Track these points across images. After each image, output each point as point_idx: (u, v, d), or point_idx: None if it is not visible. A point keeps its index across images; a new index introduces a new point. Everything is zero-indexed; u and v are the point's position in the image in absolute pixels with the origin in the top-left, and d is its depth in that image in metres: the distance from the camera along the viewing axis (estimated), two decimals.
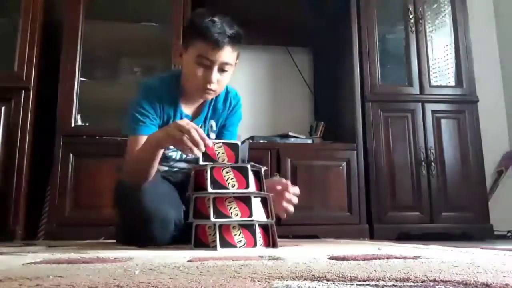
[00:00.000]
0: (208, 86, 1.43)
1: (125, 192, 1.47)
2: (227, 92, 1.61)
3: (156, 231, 1.36)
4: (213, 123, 1.61)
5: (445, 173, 2.69)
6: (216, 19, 1.38)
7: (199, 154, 1.23)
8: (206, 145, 1.21)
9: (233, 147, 1.27)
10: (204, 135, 1.23)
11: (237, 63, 1.50)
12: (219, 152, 1.25)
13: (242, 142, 1.33)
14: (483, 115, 2.84)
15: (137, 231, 1.40)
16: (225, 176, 1.21)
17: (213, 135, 1.61)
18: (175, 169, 1.62)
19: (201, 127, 1.53)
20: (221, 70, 1.43)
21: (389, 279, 0.58)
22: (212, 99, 1.57)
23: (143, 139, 1.41)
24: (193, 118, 1.56)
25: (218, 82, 1.44)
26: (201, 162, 1.23)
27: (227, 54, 1.40)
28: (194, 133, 1.20)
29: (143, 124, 1.46)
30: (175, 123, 1.26)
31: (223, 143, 1.27)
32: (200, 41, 1.38)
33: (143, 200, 1.36)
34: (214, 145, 1.26)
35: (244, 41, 1.47)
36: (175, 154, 1.60)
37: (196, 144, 1.20)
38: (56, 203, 2.34)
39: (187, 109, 1.56)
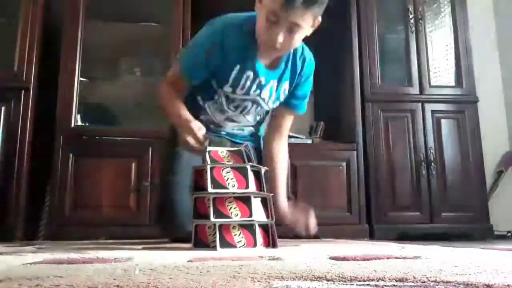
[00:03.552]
0: (273, 44, 1.33)
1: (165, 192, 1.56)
2: (302, 53, 1.54)
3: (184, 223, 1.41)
4: (286, 85, 1.54)
5: (445, 173, 2.69)
6: None
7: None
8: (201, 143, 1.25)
9: (238, 153, 1.27)
10: (200, 140, 1.26)
11: (316, 23, 1.37)
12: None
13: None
14: (483, 115, 2.84)
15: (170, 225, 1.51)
16: (225, 176, 1.21)
17: (282, 98, 1.56)
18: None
19: (272, 84, 1.51)
20: (291, 30, 1.31)
21: (389, 279, 0.58)
22: (289, 58, 1.50)
23: (182, 81, 1.45)
24: (267, 70, 1.49)
25: (286, 43, 1.34)
26: (212, 163, 1.23)
27: (298, 15, 1.27)
28: (197, 132, 1.25)
29: (193, 69, 1.46)
30: (184, 128, 1.30)
31: (228, 150, 1.28)
32: None
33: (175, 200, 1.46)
34: (219, 152, 1.26)
35: None
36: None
37: (196, 140, 1.26)
38: (56, 203, 2.34)
39: (264, 59, 1.47)
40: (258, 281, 0.57)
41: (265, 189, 1.27)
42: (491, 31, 3.42)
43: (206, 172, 1.20)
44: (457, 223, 2.63)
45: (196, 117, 1.40)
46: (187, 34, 2.55)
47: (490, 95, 3.16)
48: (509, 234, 2.89)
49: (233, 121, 1.62)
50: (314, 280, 0.58)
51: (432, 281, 0.56)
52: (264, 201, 1.28)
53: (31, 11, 2.45)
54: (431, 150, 2.69)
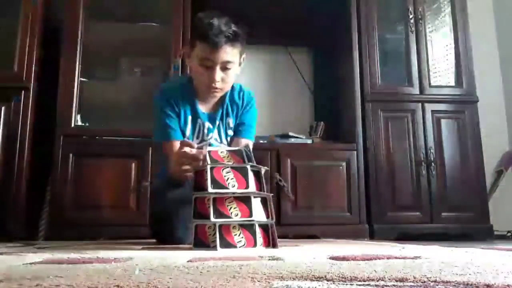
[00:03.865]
0: (213, 85, 1.50)
1: (155, 193, 1.65)
2: (240, 90, 1.69)
3: (179, 232, 1.47)
4: (230, 120, 1.68)
5: (445, 173, 2.69)
6: (214, 20, 1.43)
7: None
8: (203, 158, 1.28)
9: (238, 153, 1.27)
10: (195, 154, 1.30)
11: (242, 60, 1.57)
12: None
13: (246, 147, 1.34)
14: (483, 115, 2.84)
15: (164, 230, 1.54)
16: (225, 176, 1.21)
17: (230, 132, 1.69)
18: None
19: (218, 125, 1.66)
20: (224, 68, 1.49)
21: (389, 279, 0.58)
22: (226, 97, 1.64)
23: (176, 143, 1.51)
24: (210, 115, 1.65)
25: (223, 80, 1.51)
26: (212, 164, 1.23)
27: (227, 53, 1.45)
28: (197, 153, 1.29)
29: (172, 130, 1.58)
30: (173, 161, 1.39)
31: (228, 150, 1.28)
32: (200, 43, 1.47)
33: (168, 203, 1.48)
34: (219, 152, 1.26)
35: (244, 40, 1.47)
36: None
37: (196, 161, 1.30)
38: (56, 203, 2.34)
39: (203, 107, 1.65)
40: (258, 281, 0.57)
41: (265, 189, 1.27)
42: (491, 31, 3.42)
43: (206, 172, 1.20)
44: (457, 223, 2.63)
45: None
46: (187, 34, 2.54)
47: (490, 95, 3.16)
48: (509, 234, 2.89)
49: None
50: (314, 280, 0.58)
51: (432, 281, 0.56)
52: (264, 201, 1.28)
53: (31, 11, 2.45)
54: (431, 150, 2.69)
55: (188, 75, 1.69)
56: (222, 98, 1.65)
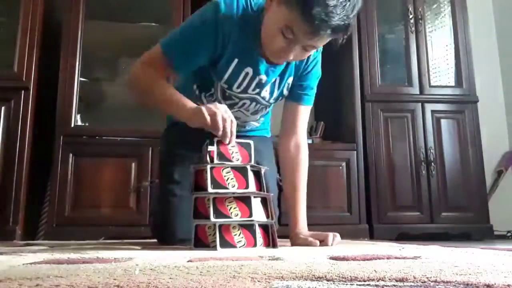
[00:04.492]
0: (284, 57, 1.23)
1: (155, 194, 1.55)
2: None
3: (181, 233, 1.40)
4: (290, 80, 1.42)
5: (445, 173, 2.69)
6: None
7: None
8: (230, 141, 1.17)
9: (246, 146, 1.26)
10: (233, 130, 1.16)
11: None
12: (233, 152, 1.24)
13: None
14: (483, 115, 2.84)
15: (163, 231, 1.46)
16: (225, 176, 1.21)
17: (286, 92, 1.44)
18: None
19: (274, 81, 1.39)
20: (305, 49, 1.21)
21: (389, 279, 0.58)
22: None
23: (164, 63, 1.27)
24: (269, 67, 1.35)
25: (295, 58, 1.24)
26: (212, 163, 1.22)
27: (320, 41, 1.17)
28: (228, 124, 1.13)
29: (183, 54, 1.27)
30: (209, 109, 1.13)
31: (237, 142, 1.26)
32: (296, 12, 1.10)
33: (169, 206, 1.41)
34: (228, 145, 1.24)
35: None
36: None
37: (224, 135, 1.15)
38: (56, 203, 2.34)
39: (264, 55, 1.31)
40: (258, 281, 0.57)
41: (265, 189, 1.27)
42: (491, 31, 3.42)
43: (206, 172, 1.20)
44: (457, 223, 2.63)
45: None
46: None
47: (490, 95, 3.17)
48: (509, 234, 2.89)
49: None
50: (314, 280, 0.58)
51: (432, 281, 0.56)
52: (264, 201, 1.28)
53: (31, 11, 2.45)
54: (431, 150, 2.69)
55: (259, 13, 1.25)
56: None
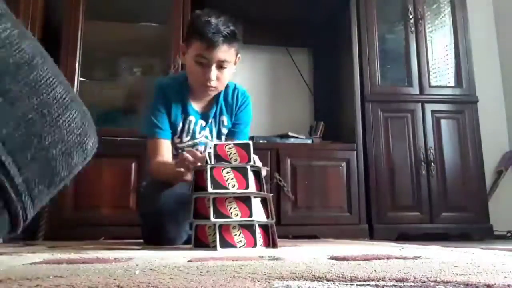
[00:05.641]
0: (208, 83, 1.50)
1: (144, 195, 1.58)
2: (235, 89, 1.67)
3: (171, 233, 1.45)
4: (224, 118, 1.67)
5: (444, 173, 2.69)
6: (212, 18, 1.44)
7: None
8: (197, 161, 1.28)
9: (245, 147, 1.26)
10: (197, 155, 1.29)
11: (238, 60, 1.57)
12: (231, 153, 1.24)
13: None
14: (483, 115, 2.84)
15: (155, 232, 1.49)
16: (225, 176, 1.21)
17: (225, 130, 1.67)
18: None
19: (211, 122, 1.65)
20: (220, 67, 1.50)
21: (389, 279, 0.58)
22: (220, 96, 1.64)
23: (161, 142, 1.55)
24: (203, 113, 1.64)
25: (218, 79, 1.51)
26: (211, 164, 1.22)
27: (223, 52, 1.46)
28: (192, 160, 1.28)
29: (159, 129, 1.57)
30: (178, 164, 1.34)
31: (234, 144, 1.26)
32: (197, 40, 1.47)
33: (159, 204, 1.43)
34: (225, 146, 1.25)
35: (244, 41, 1.48)
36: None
37: (194, 163, 1.28)
38: (56, 203, 2.34)
39: (197, 105, 1.64)
40: (258, 281, 0.57)
41: (265, 189, 1.27)
42: (491, 31, 3.42)
43: (206, 172, 1.20)
44: (457, 223, 2.63)
45: None
46: None
47: (490, 95, 3.17)
48: (509, 234, 2.89)
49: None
50: (314, 280, 0.58)
51: (432, 281, 0.56)
52: (264, 201, 1.28)
53: (30, 11, 2.45)
54: (431, 150, 2.69)
55: (185, 76, 1.65)
56: (216, 97, 1.64)
